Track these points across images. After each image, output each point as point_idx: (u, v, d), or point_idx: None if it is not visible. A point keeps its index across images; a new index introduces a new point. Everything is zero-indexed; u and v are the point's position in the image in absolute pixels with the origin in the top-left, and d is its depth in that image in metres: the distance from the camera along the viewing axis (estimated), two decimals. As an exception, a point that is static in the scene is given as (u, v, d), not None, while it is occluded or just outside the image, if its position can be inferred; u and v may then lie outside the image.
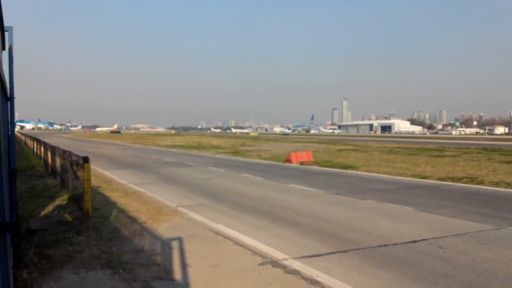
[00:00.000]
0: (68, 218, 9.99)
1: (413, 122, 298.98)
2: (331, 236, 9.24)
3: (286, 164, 27.56)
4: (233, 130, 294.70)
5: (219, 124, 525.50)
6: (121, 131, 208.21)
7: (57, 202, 12.83)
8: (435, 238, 8.99)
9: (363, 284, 6.42)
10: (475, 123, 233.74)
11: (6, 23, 6.04)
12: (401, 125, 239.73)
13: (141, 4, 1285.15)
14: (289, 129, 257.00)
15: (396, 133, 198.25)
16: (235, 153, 39.79)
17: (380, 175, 21.29)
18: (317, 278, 6.55)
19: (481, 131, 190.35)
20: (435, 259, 7.57)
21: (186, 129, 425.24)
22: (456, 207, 12.55)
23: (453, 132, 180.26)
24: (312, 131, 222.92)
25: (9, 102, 7.04)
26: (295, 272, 6.83)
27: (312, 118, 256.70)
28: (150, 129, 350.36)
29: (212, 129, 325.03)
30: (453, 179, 19.08)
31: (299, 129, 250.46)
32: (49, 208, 12.01)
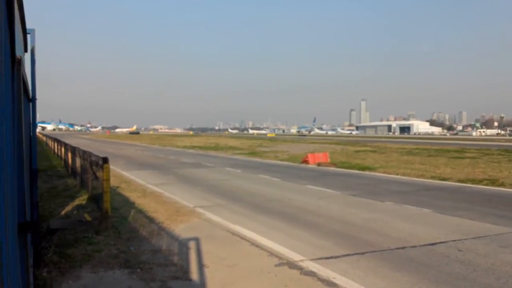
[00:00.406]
0: (88, 217, 10.13)
1: (432, 123, 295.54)
2: (348, 238, 9.19)
3: (303, 165, 27.48)
4: (250, 131, 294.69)
5: (237, 125, 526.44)
6: (140, 132, 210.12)
7: (77, 202, 13.01)
8: (454, 240, 8.87)
9: (381, 286, 6.38)
10: (496, 124, 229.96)
11: (28, 25, 6.16)
12: (420, 126, 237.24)
13: (162, 6, 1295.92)
14: (306, 130, 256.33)
15: (415, 134, 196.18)
16: (252, 154, 39.82)
17: (399, 176, 21.08)
18: (334, 280, 6.53)
19: (502, 132, 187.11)
20: (454, 262, 7.48)
21: (204, 130, 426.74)
22: (476, 209, 12.36)
23: (474, 133, 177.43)
24: (330, 132, 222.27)
25: (31, 104, 7.17)
26: (311, 274, 6.82)
27: (314, 121, 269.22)
28: (168, 130, 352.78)
29: (230, 130, 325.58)
30: (473, 181, 18.79)
31: (302, 130, 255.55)
32: (69, 207, 12.19)
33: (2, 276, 1.71)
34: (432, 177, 20.32)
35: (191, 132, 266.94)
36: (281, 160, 32.26)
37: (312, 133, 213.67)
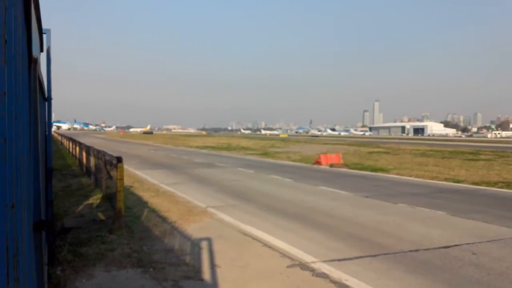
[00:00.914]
0: (101, 216, 10.22)
1: (446, 124, 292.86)
2: (361, 239, 9.14)
3: (316, 166, 27.40)
4: (263, 132, 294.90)
5: (249, 126, 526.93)
6: (153, 132, 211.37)
7: (91, 200, 13.14)
8: (469, 244, 8.77)
9: (393, 289, 6.33)
10: (511, 126, 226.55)
11: (44, 25, 6.23)
12: (434, 128, 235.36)
13: (175, 5, 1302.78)
14: (319, 130, 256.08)
15: (429, 135, 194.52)
16: (265, 154, 39.81)
17: (412, 178, 20.91)
18: (346, 282, 6.50)
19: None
20: (468, 265, 7.40)
21: (217, 130, 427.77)
22: (490, 212, 12.21)
23: (489, 135, 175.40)
24: (342, 133, 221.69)
25: (46, 103, 7.25)
26: (323, 276, 6.79)
27: (311, 122, 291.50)
28: (181, 130, 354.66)
29: (242, 131, 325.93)
30: (488, 184, 18.56)
31: (300, 131, 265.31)
32: (83, 206, 12.30)
33: (18, 274, 1.73)
34: (446, 179, 20.12)
35: (204, 132, 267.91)
36: (294, 161, 32.22)
37: (309, 133, 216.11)
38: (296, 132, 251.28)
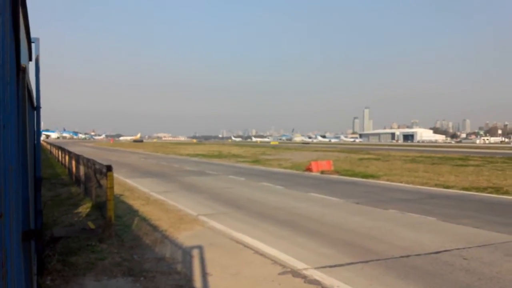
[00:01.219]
0: (91, 225, 10.13)
1: (436, 131, 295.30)
2: (352, 246, 9.15)
3: (307, 173, 27.46)
4: (254, 139, 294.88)
5: (240, 133, 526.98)
6: (144, 140, 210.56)
7: (81, 210, 13.04)
8: (459, 249, 8.82)
9: (385, 295, 6.33)
10: (500, 131, 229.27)
11: (33, 34, 6.20)
12: (424, 134, 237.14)
13: (164, 12, 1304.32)
14: (309, 137, 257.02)
15: (418, 142, 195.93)
16: (256, 162, 39.82)
17: (402, 184, 21.02)
18: (338, 289, 6.49)
19: (506, 140, 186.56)
20: (458, 271, 7.43)
21: (207, 138, 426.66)
22: (480, 217, 12.30)
23: (477, 141, 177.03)
24: (332, 140, 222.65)
25: (35, 112, 7.21)
26: (315, 282, 6.79)
27: (293, 131, 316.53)
28: (172, 138, 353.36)
29: (233, 138, 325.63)
30: (478, 189, 18.71)
31: (283, 138, 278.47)
32: (73, 215, 12.20)
33: (7, 283, 1.71)
34: (436, 185, 20.25)
35: (194, 140, 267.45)
36: (285, 168, 32.26)
37: (292, 141, 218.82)
38: (280, 139, 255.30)
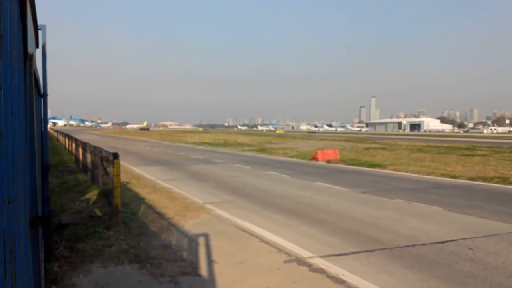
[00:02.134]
0: (98, 213, 10.22)
1: (443, 120, 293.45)
2: (357, 235, 9.16)
3: (312, 162, 27.43)
4: (260, 128, 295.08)
5: (246, 122, 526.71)
6: (150, 128, 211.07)
7: (88, 197, 13.12)
8: (465, 239, 8.81)
9: (390, 284, 6.36)
10: (507, 121, 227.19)
11: (40, 21, 6.19)
12: (431, 124, 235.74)
13: (173, 2, 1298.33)
14: (316, 126, 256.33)
15: (425, 131, 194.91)
16: (261, 150, 39.83)
17: (409, 174, 20.96)
18: (343, 277, 6.52)
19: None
20: (464, 260, 7.43)
21: (213, 126, 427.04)
22: (486, 207, 12.26)
23: (485, 131, 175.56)
24: (339, 129, 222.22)
25: (42, 99, 7.23)
26: (320, 271, 6.81)
27: (278, 122, 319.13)
28: (178, 126, 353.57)
29: (239, 127, 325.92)
30: (484, 179, 18.63)
31: (270, 127, 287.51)
32: (80, 202, 12.29)
33: (15, 269, 1.73)
34: (443, 175, 20.18)
35: (200, 129, 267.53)
36: (290, 156, 32.25)
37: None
38: (267, 128, 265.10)
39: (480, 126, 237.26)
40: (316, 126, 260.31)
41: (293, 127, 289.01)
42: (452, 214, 11.37)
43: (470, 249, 8.11)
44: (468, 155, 32.22)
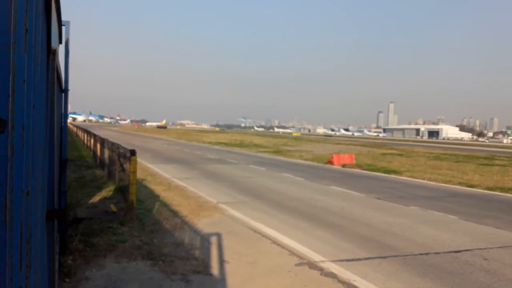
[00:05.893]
0: (113, 208, 10.31)
1: (462, 128, 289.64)
2: (371, 241, 9.10)
3: (328, 166, 27.31)
4: (276, 130, 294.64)
5: (262, 123, 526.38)
6: (167, 127, 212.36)
7: (104, 192, 13.26)
8: (480, 249, 8.69)
9: (402, 291, 6.29)
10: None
11: (63, 17, 6.28)
12: (449, 131, 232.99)
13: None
14: (332, 130, 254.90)
15: (443, 139, 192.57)
16: (277, 152, 39.79)
17: (425, 181, 20.73)
18: (354, 283, 6.48)
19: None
20: (478, 271, 7.33)
21: (230, 126, 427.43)
22: (503, 218, 12.07)
23: (504, 141, 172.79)
24: (355, 134, 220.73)
25: (63, 94, 7.33)
26: (331, 275, 6.78)
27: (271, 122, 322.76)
28: (195, 126, 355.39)
29: (255, 128, 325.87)
30: (502, 189, 18.34)
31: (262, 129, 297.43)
32: (96, 198, 12.43)
33: (30, 260, 1.76)
34: (460, 184, 19.92)
35: (217, 129, 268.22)
36: (306, 159, 32.14)
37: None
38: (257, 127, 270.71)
39: (500, 136, 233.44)
40: (332, 130, 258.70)
41: (309, 130, 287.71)
42: (468, 223, 11.22)
43: (485, 259, 7.99)
44: (487, 165, 31.74)
